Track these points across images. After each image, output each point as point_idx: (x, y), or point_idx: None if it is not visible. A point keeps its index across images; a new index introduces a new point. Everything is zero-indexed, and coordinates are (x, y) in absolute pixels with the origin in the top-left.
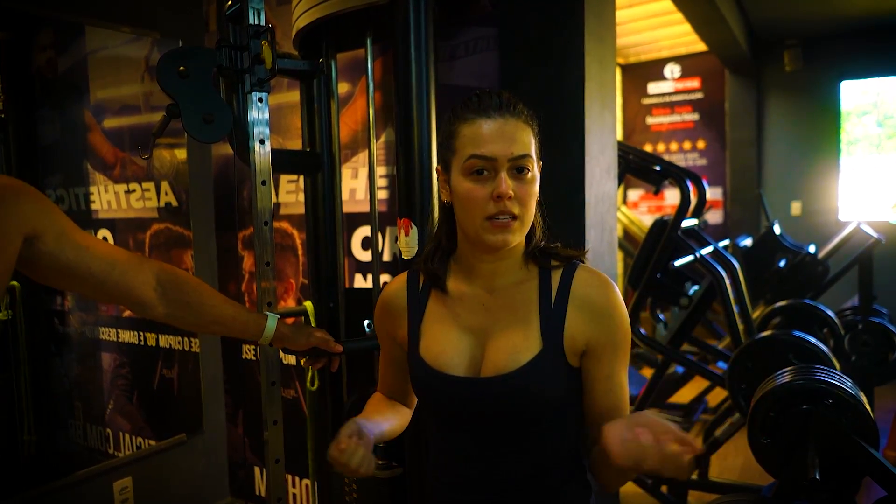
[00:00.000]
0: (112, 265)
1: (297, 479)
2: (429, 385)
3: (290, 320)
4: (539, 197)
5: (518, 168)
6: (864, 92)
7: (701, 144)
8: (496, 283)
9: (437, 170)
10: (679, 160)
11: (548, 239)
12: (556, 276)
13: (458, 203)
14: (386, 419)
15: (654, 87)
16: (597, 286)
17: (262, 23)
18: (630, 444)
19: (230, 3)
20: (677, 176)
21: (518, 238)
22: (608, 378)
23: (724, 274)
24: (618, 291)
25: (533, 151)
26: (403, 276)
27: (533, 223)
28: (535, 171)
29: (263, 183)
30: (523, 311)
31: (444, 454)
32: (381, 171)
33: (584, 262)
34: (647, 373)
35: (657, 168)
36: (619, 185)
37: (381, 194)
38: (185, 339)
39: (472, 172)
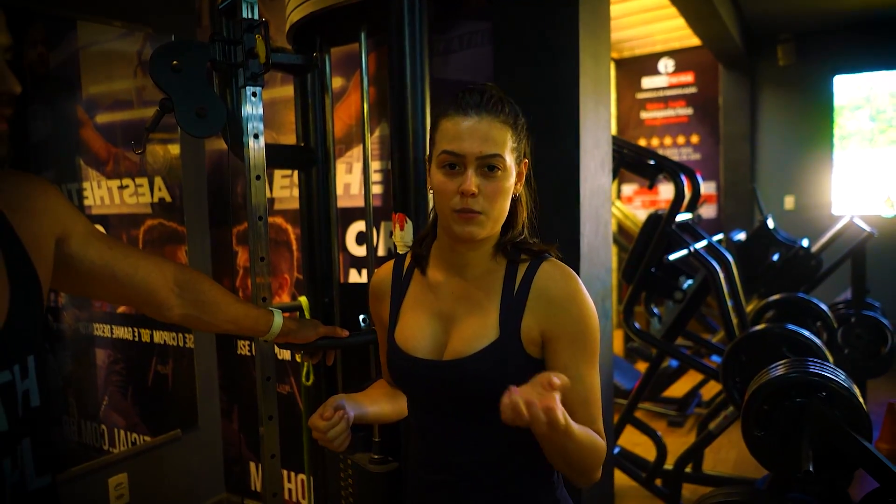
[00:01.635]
0: (135, 267)
1: (292, 474)
2: (399, 367)
3: (286, 315)
4: (526, 193)
5: (488, 166)
6: (857, 86)
7: (695, 139)
8: (466, 272)
9: (426, 158)
10: (673, 155)
11: (534, 234)
12: (521, 269)
13: (433, 193)
14: (373, 403)
15: (648, 82)
16: (557, 279)
17: (256, 17)
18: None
19: None
20: (671, 170)
21: (485, 231)
22: (565, 369)
23: (718, 268)
24: (581, 284)
25: (507, 151)
26: (390, 263)
27: (514, 217)
28: (508, 169)
29: (258, 178)
30: (486, 300)
31: (416, 435)
32: (375, 165)
33: (552, 257)
34: (642, 367)
35: (651, 162)
36: (614, 179)
37: (376, 189)
38: (180, 335)
39: (444, 166)
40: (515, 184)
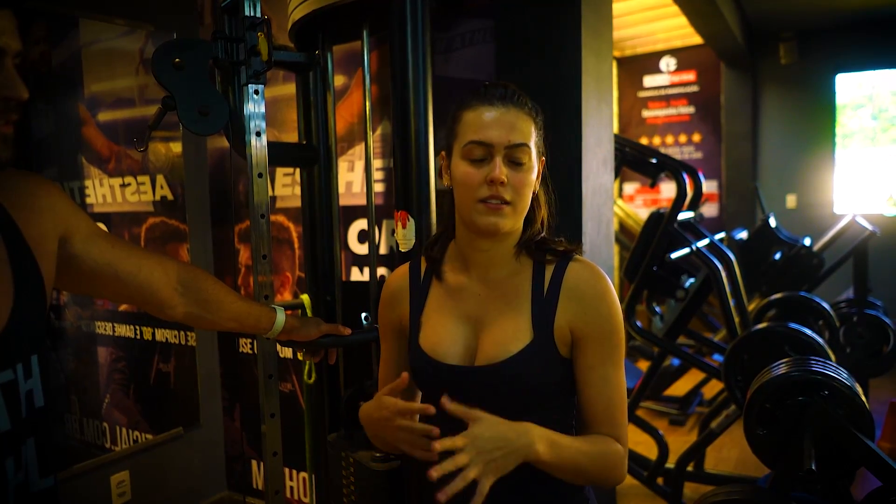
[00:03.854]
0: (138, 266)
1: (294, 472)
2: (426, 373)
3: (288, 313)
4: (543, 190)
5: (515, 157)
6: (859, 85)
7: (696, 137)
8: (491, 274)
9: (440, 156)
10: (675, 153)
11: (550, 232)
12: (549, 269)
13: (455, 186)
14: None
15: (649, 81)
16: (588, 277)
17: (258, 15)
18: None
19: None
20: (673, 169)
21: (510, 224)
22: (592, 369)
23: (720, 266)
24: (610, 284)
25: (532, 142)
26: (406, 266)
27: (533, 214)
28: (532, 161)
29: (260, 176)
30: (516, 301)
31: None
32: (377, 163)
33: (579, 256)
34: (644, 365)
35: (653, 161)
36: (616, 178)
37: (378, 187)
38: (182, 332)
39: (470, 157)
40: (535, 181)
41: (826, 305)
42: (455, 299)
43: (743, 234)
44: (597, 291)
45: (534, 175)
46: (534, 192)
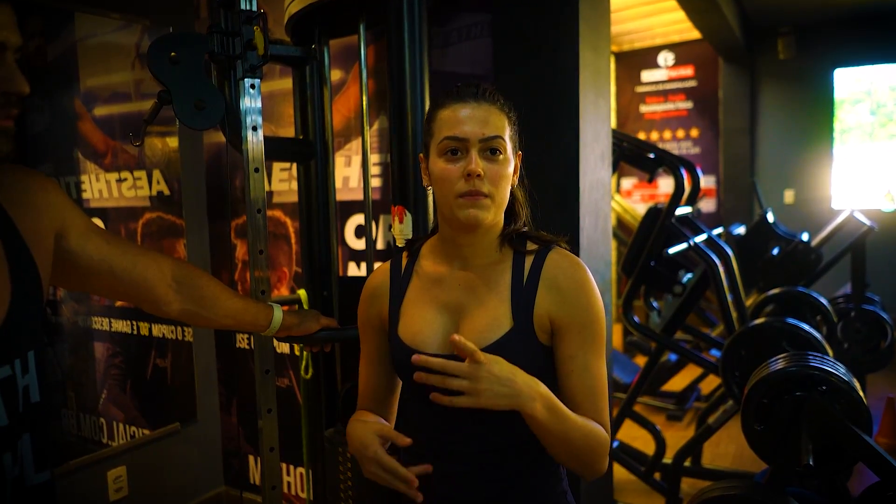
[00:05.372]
0: (133, 263)
1: (291, 467)
2: (406, 363)
3: (284, 308)
4: (525, 185)
5: (490, 149)
6: (858, 80)
7: (694, 133)
8: (472, 263)
9: (419, 157)
10: (672, 148)
11: (534, 226)
12: (529, 259)
13: (434, 183)
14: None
15: (647, 75)
16: (566, 267)
17: (254, 8)
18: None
19: None
20: (671, 164)
21: (490, 216)
22: (572, 358)
23: (717, 262)
24: (589, 274)
25: (506, 136)
26: (386, 265)
27: (516, 208)
28: (508, 154)
29: (256, 171)
30: (496, 290)
31: (422, 432)
32: (374, 158)
33: (560, 247)
34: (641, 360)
35: (651, 156)
36: (613, 173)
37: (375, 182)
38: (179, 328)
39: (447, 152)
40: (512, 175)
41: (824, 301)
42: (435, 290)
43: (741, 230)
44: (575, 281)
45: (510, 168)
46: (513, 187)
